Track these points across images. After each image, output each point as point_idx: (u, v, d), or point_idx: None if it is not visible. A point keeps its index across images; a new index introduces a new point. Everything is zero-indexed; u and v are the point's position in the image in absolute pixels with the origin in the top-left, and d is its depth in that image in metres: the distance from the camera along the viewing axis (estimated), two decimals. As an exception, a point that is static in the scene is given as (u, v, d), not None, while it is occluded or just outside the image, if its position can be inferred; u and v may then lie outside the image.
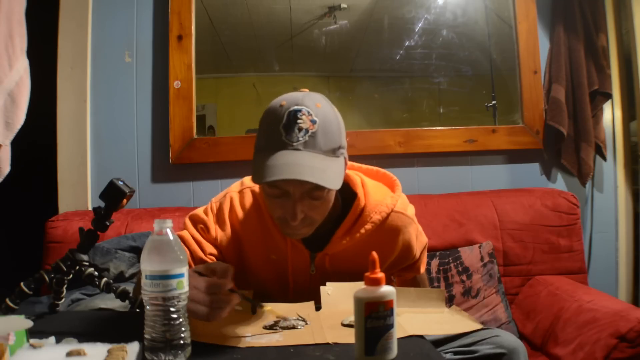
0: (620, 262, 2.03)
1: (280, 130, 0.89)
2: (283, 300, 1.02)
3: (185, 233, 1.09)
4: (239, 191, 1.11)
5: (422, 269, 1.21)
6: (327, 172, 0.89)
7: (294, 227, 0.95)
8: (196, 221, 1.10)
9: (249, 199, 1.09)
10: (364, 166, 1.18)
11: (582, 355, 1.29)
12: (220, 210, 1.10)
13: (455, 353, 0.98)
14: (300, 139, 0.88)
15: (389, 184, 1.12)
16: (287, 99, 0.92)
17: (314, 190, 0.92)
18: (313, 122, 0.89)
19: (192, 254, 1.06)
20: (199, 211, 1.12)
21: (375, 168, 1.17)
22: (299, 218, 0.93)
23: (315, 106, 0.91)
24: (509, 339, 0.98)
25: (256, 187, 1.10)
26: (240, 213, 1.08)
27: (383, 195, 1.07)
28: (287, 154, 0.88)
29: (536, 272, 1.75)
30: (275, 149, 0.89)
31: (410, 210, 1.11)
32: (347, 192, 1.06)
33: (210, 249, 1.07)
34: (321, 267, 1.07)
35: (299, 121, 0.89)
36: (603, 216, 2.06)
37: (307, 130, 0.89)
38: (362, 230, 1.04)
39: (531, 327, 1.57)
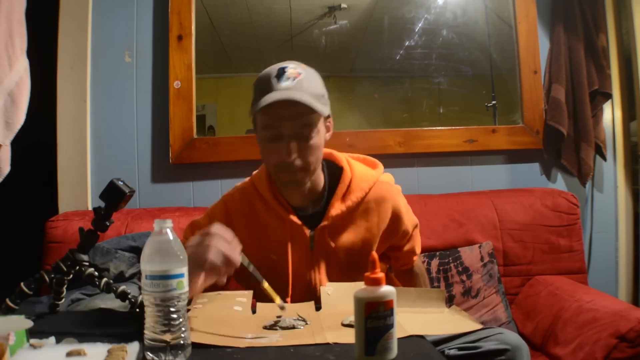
0: (620, 262, 2.03)
1: (271, 80, 1.05)
2: (282, 287, 1.09)
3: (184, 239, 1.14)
4: (231, 193, 1.22)
5: (417, 250, 1.27)
6: (314, 103, 1.02)
7: (290, 168, 1.05)
8: (194, 228, 1.18)
9: (241, 198, 1.19)
10: (348, 153, 1.26)
11: (582, 355, 1.29)
12: (219, 214, 1.18)
13: (460, 349, 0.99)
14: (290, 83, 1.04)
15: (371, 164, 1.23)
16: (273, 65, 1.09)
17: (305, 127, 1.04)
18: (299, 72, 1.06)
19: None
20: (198, 219, 1.20)
21: (359, 155, 1.26)
22: (294, 155, 1.04)
23: (299, 64, 1.09)
24: (512, 337, 1.00)
25: (247, 185, 1.21)
26: (235, 212, 1.17)
27: (366, 170, 1.19)
28: (277, 92, 1.02)
29: (536, 272, 1.75)
30: (269, 91, 1.03)
31: (396, 186, 1.22)
32: (335, 169, 1.18)
33: None
34: (321, 241, 1.13)
35: (287, 71, 1.06)
36: (603, 216, 2.06)
37: (294, 78, 1.05)
38: (354, 198, 1.13)
39: (531, 327, 1.57)
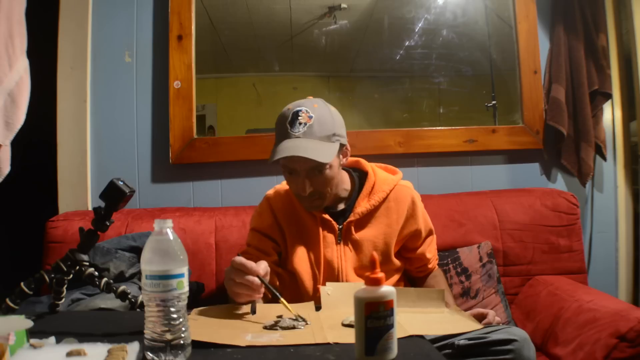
0: (620, 262, 2.03)
1: (286, 125, 1.19)
2: (314, 274, 1.28)
3: (248, 238, 1.38)
4: (273, 193, 1.39)
5: (429, 255, 1.41)
6: (319, 150, 1.16)
7: (307, 199, 1.24)
8: (258, 235, 1.36)
9: (281, 198, 1.36)
10: (373, 163, 1.45)
11: (582, 355, 1.29)
12: (266, 211, 1.36)
13: (469, 339, 1.02)
14: (300, 129, 1.18)
15: (392, 171, 1.41)
16: (293, 104, 1.24)
17: (315, 168, 1.19)
18: (310, 117, 1.19)
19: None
20: (253, 219, 1.39)
21: (381, 164, 1.44)
22: (308, 191, 1.21)
23: (312, 106, 1.21)
24: (519, 331, 1.05)
25: (284, 187, 1.38)
26: (277, 210, 1.34)
27: (387, 175, 1.38)
28: (289, 141, 1.17)
29: (536, 272, 1.75)
30: (282, 139, 1.19)
31: (415, 191, 1.39)
32: (361, 174, 1.39)
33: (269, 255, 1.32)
34: (347, 234, 1.30)
35: (299, 117, 1.19)
36: (603, 216, 2.06)
37: (305, 124, 1.18)
38: (377, 197, 1.31)
39: (531, 327, 1.57)
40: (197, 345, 0.76)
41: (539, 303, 1.61)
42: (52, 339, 0.79)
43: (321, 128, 1.19)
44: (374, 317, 0.71)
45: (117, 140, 1.91)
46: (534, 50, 2.03)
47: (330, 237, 1.30)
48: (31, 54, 1.32)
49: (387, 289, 0.73)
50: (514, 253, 1.75)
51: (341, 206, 1.34)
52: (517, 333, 1.03)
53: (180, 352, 0.71)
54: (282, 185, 1.41)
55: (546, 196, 1.82)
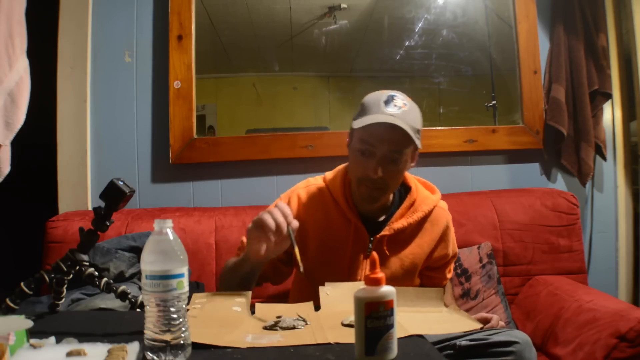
0: (620, 262, 2.03)
1: (381, 103, 1.15)
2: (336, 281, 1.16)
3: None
4: (304, 187, 1.31)
5: (449, 277, 1.38)
6: (412, 134, 1.12)
7: (372, 184, 1.16)
8: None
9: (313, 194, 1.29)
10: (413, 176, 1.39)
11: (582, 355, 1.29)
12: (288, 204, 1.24)
13: (471, 340, 1.03)
14: (396, 110, 1.14)
15: (430, 189, 1.35)
16: (382, 91, 1.20)
17: (396, 153, 1.15)
18: (405, 104, 1.16)
19: None
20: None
21: (421, 178, 1.38)
22: (379, 173, 1.14)
23: (405, 97, 1.19)
24: (521, 334, 1.05)
25: (321, 184, 1.30)
26: (305, 206, 1.27)
27: (428, 194, 1.32)
28: (383, 116, 1.12)
29: (536, 272, 1.75)
30: (376, 112, 1.14)
31: (449, 214, 1.34)
32: (403, 188, 1.32)
33: None
34: (378, 248, 1.23)
35: (395, 100, 1.15)
36: (603, 216, 2.06)
37: (400, 107, 1.14)
38: (415, 217, 1.25)
39: (531, 327, 1.57)
40: (197, 345, 0.76)
41: (539, 303, 1.61)
42: (52, 339, 0.79)
43: (413, 118, 1.15)
44: (374, 317, 0.70)
45: (117, 140, 1.91)
46: (534, 50, 2.03)
47: (360, 247, 1.24)
48: (31, 54, 1.32)
49: (387, 289, 0.73)
50: (514, 253, 1.75)
51: (378, 216, 1.27)
52: (519, 336, 1.03)
53: (180, 352, 0.71)
54: (316, 181, 1.32)
55: (546, 196, 1.82)
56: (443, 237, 1.30)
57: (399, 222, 1.24)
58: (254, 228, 1.03)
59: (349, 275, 1.24)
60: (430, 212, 1.28)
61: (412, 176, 1.34)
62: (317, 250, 1.25)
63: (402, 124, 1.11)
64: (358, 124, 1.14)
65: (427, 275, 1.36)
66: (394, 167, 1.17)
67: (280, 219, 1.02)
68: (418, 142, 1.16)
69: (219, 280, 1.22)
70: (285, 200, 1.29)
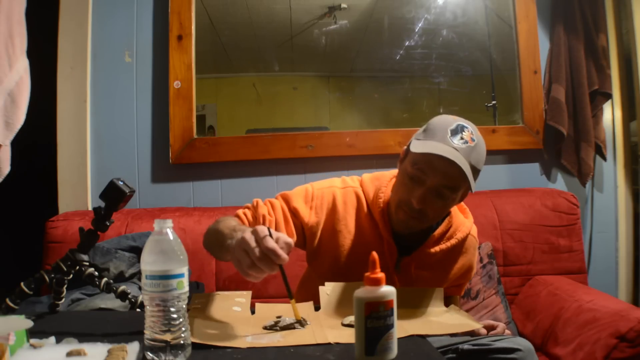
0: (620, 262, 2.03)
1: (447, 131, 1.08)
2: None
3: (274, 203, 1.19)
4: (342, 187, 1.22)
5: (462, 292, 1.36)
6: (470, 176, 1.05)
7: (412, 213, 1.09)
8: (288, 201, 1.19)
9: (350, 198, 1.21)
10: None
11: (582, 355, 1.29)
12: (322, 198, 1.20)
13: (473, 345, 1.02)
14: (462, 144, 1.06)
15: (464, 212, 1.30)
16: (453, 117, 1.13)
17: (446, 189, 1.07)
18: (473, 139, 1.08)
19: (270, 223, 1.13)
20: (296, 195, 1.20)
21: None
22: (422, 205, 1.07)
23: (476, 131, 1.11)
24: (524, 341, 1.03)
25: (358, 188, 1.22)
26: (340, 208, 1.19)
27: (464, 219, 1.25)
28: (446, 147, 1.05)
29: (536, 272, 1.75)
30: (440, 141, 1.07)
31: (476, 239, 1.28)
32: None
33: (290, 234, 1.15)
34: (405, 270, 1.18)
35: (464, 132, 1.08)
36: (603, 216, 2.05)
37: (467, 141, 1.07)
38: (448, 244, 1.19)
39: (531, 327, 1.57)
40: (197, 345, 0.76)
41: (539, 303, 1.61)
42: (52, 339, 0.79)
43: (477, 157, 1.08)
44: (374, 317, 0.70)
45: (117, 140, 1.91)
46: (534, 50, 2.03)
47: (388, 264, 1.17)
48: (31, 54, 1.32)
49: (387, 289, 0.73)
50: (514, 253, 1.75)
51: (410, 237, 1.19)
52: (522, 343, 1.02)
53: (180, 352, 0.71)
54: (354, 182, 1.25)
55: (546, 196, 1.82)
56: (470, 267, 1.27)
57: (432, 248, 1.18)
58: (238, 262, 0.84)
59: None
60: (464, 239, 1.22)
61: None
62: (348, 257, 1.18)
63: (463, 163, 1.03)
64: (418, 147, 1.07)
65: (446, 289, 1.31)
66: (440, 202, 1.10)
67: (271, 256, 0.80)
68: (473, 185, 1.08)
69: (205, 234, 1.09)
70: (319, 193, 1.21)
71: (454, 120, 1.11)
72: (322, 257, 1.20)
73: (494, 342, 1.02)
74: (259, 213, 1.16)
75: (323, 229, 1.19)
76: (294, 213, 1.18)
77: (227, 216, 1.13)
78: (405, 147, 1.17)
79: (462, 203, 1.27)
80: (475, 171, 1.09)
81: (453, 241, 1.20)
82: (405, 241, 1.18)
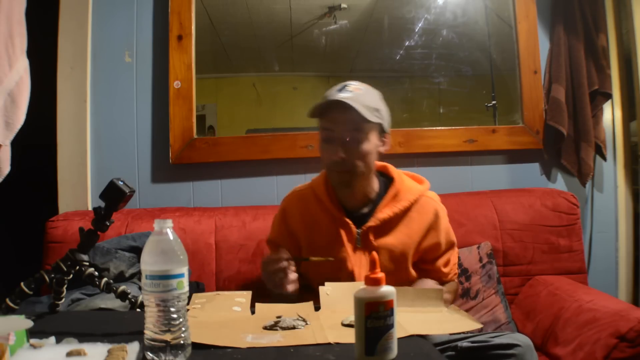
0: (620, 262, 2.03)
1: (334, 90, 1.21)
2: (327, 277, 1.18)
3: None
4: (290, 195, 1.39)
5: (447, 270, 1.35)
6: (363, 110, 1.16)
7: (339, 167, 1.20)
8: (272, 246, 1.39)
9: (299, 199, 1.35)
10: (400, 169, 1.42)
11: (582, 355, 1.29)
12: (275, 218, 1.39)
13: (472, 342, 1.03)
14: (349, 94, 1.18)
15: (418, 180, 1.37)
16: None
17: (355, 132, 1.19)
18: (359, 88, 1.22)
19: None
20: (272, 229, 1.41)
21: (409, 172, 1.41)
22: (341, 155, 1.18)
23: (362, 84, 1.25)
24: (523, 337, 1.05)
25: (305, 188, 1.37)
26: (294, 212, 1.34)
27: (414, 183, 1.34)
28: (336, 99, 1.17)
29: (536, 272, 1.75)
30: (329, 98, 1.19)
31: (442, 205, 1.36)
32: (387, 179, 1.35)
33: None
34: (365, 240, 1.26)
35: (349, 87, 1.21)
36: (603, 216, 2.05)
37: (353, 91, 1.19)
38: (399, 205, 1.27)
39: (531, 327, 1.57)
40: (197, 345, 0.76)
41: (539, 303, 1.61)
42: (52, 339, 0.79)
43: (368, 98, 1.20)
44: (374, 317, 0.70)
45: (117, 140, 1.91)
46: (534, 50, 2.03)
47: (349, 242, 1.26)
48: (31, 54, 1.32)
49: (387, 289, 0.73)
50: (514, 253, 1.75)
51: (364, 210, 1.30)
52: (521, 339, 1.03)
53: (180, 352, 0.71)
54: (301, 187, 1.39)
55: (546, 196, 1.82)
56: (433, 226, 1.30)
57: (383, 212, 1.26)
58: (270, 284, 1.18)
59: (340, 269, 1.25)
60: (416, 200, 1.29)
61: (397, 169, 1.37)
62: (309, 252, 1.29)
63: (352, 103, 1.15)
64: (313, 111, 1.21)
65: (423, 269, 1.34)
66: (356, 147, 1.19)
67: (281, 264, 1.16)
68: (375, 119, 1.19)
69: None
70: (275, 220, 1.39)
71: (340, 84, 1.24)
72: (304, 268, 1.31)
73: (493, 338, 1.02)
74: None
75: (290, 234, 1.34)
76: (277, 244, 1.35)
77: None
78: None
79: (418, 175, 1.38)
80: (371, 109, 1.19)
81: (404, 203, 1.27)
82: (359, 217, 1.28)
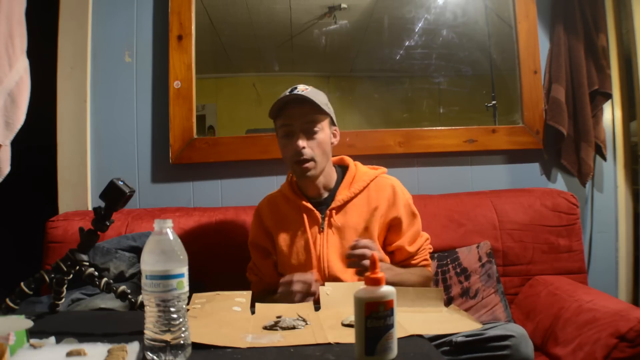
0: (620, 262, 2.03)
1: (286, 92, 1.33)
2: (300, 262, 1.35)
3: (253, 257, 1.49)
4: (263, 200, 1.51)
5: (412, 250, 1.39)
6: (317, 102, 1.29)
7: (301, 159, 1.30)
8: (254, 245, 1.48)
9: (269, 202, 1.48)
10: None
11: (582, 355, 1.29)
12: (253, 224, 1.49)
13: (466, 336, 1.04)
14: (298, 92, 1.31)
15: (375, 168, 1.47)
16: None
17: (311, 124, 1.32)
18: (306, 88, 1.35)
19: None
20: (251, 233, 1.50)
21: (369, 165, 1.51)
22: (302, 144, 1.30)
23: (306, 85, 1.37)
24: (517, 327, 1.06)
25: (272, 193, 1.50)
26: (267, 214, 1.45)
27: (368, 169, 1.45)
28: (295, 95, 1.30)
29: (536, 272, 1.75)
30: (278, 100, 1.32)
31: (401, 186, 1.44)
32: (344, 168, 1.46)
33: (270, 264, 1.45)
34: (330, 221, 1.36)
35: (297, 87, 1.34)
36: (603, 216, 2.05)
37: (302, 90, 1.32)
38: (357, 186, 1.38)
39: (531, 327, 1.57)
40: (197, 345, 0.76)
41: (539, 303, 1.61)
42: (52, 339, 0.79)
43: (317, 96, 1.33)
44: (374, 317, 0.71)
45: (117, 140, 1.91)
46: (534, 50, 2.03)
47: (314, 225, 1.37)
48: (31, 54, 1.32)
49: (387, 289, 0.73)
50: (514, 253, 1.75)
51: (325, 195, 1.40)
52: (515, 329, 1.04)
53: (180, 352, 0.71)
54: (271, 193, 1.51)
55: (546, 196, 1.82)
56: (391, 200, 1.38)
57: (342, 194, 1.38)
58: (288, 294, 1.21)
59: (306, 252, 1.35)
60: (372, 180, 1.40)
61: (352, 160, 1.49)
62: (281, 241, 1.39)
63: (307, 95, 1.29)
64: (271, 111, 1.34)
65: (389, 252, 1.40)
66: (314, 137, 1.32)
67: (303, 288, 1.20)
68: (329, 112, 1.34)
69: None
70: (252, 223, 1.49)
71: (291, 87, 1.36)
72: (279, 262, 1.41)
73: (487, 330, 1.03)
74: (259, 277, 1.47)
75: (267, 241, 1.44)
76: (256, 245, 1.46)
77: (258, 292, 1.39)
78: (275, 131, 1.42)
79: (376, 166, 1.47)
80: (322, 103, 1.31)
81: (362, 183, 1.39)
82: (322, 205, 1.38)
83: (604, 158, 2.02)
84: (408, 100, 2.05)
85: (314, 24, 2.00)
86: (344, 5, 2.00)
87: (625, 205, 2.05)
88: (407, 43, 2.04)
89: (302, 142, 1.30)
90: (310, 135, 1.32)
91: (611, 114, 2.07)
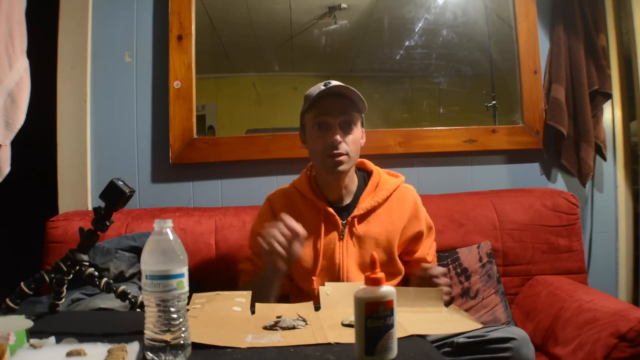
0: (620, 262, 2.03)
1: (320, 86, 1.29)
2: (313, 268, 1.30)
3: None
4: (274, 193, 1.43)
5: (431, 260, 1.40)
6: (356, 102, 1.27)
7: (335, 152, 1.26)
8: (253, 234, 1.39)
9: (284, 197, 1.40)
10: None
11: (582, 355, 1.29)
12: (263, 214, 1.41)
13: (468, 338, 1.03)
14: (337, 84, 1.27)
15: (394, 175, 1.44)
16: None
17: (348, 120, 1.28)
18: (340, 84, 1.28)
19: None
20: (254, 226, 1.42)
21: (385, 170, 1.48)
22: (339, 138, 1.26)
23: (338, 82, 1.31)
24: (519, 330, 1.06)
25: (288, 187, 1.42)
26: (279, 209, 1.35)
27: (390, 177, 1.41)
28: (330, 89, 1.26)
29: (536, 272, 1.75)
30: (319, 91, 1.27)
31: (418, 195, 1.42)
32: (366, 174, 1.43)
33: None
34: (350, 230, 1.32)
35: (332, 82, 1.29)
36: (603, 216, 2.05)
37: (337, 83, 1.28)
38: (381, 195, 1.34)
39: (531, 327, 1.57)
40: (197, 345, 0.76)
41: (539, 303, 1.61)
42: (52, 339, 0.79)
43: (354, 93, 1.28)
44: (374, 317, 0.71)
45: (117, 140, 1.91)
46: (534, 50, 2.03)
47: (333, 232, 1.32)
48: (31, 54, 1.32)
49: (387, 289, 0.73)
50: (514, 253, 1.75)
51: (346, 200, 1.36)
52: (517, 332, 1.04)
53: (180, 352, 0.71)
54: (283, 187, 1.44)
55: (546, 196, 1.82)
56: (414, 214, 1.37)
57: (366, 202, 1.33)
58: (266, 251, 1.15)
59: (325, 260, 1.30)
60: (396, 190, 1.37)
61: (374, 165, 1.46)
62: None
63: (348, 90, 1.25)
64: (308, 104, 1.29)
65: (407, 261, 1.39)
66: (350, 133, 1.29)
67: (287, 233, 1.14)
68: (364, 110, 1.31)
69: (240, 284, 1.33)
70: (260, 213, 1.42)
71: (323, 82, 1.31)
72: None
73: (489, 332, 1.03)
74: (252, 261, 1.38)
75: None
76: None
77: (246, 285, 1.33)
78: (300, 128, 1.39)
79: (392, 171, 1.45)
80: (361, 100, 1.28)
81: (385, 192, 1.35)
82: (342, 210, 1.34)
83: (604, 158, 2.02)
84: (408, 100, 2.05)
85: (314, 24, 2.00)
86: (344, 5, 2.00)
87: (625, 205, 2.05)
88: (407, 43, 2.04)
89: (339, 137, 1.27)
90: (347, 130, 1.29)
91: (611, 114, 2.07)
